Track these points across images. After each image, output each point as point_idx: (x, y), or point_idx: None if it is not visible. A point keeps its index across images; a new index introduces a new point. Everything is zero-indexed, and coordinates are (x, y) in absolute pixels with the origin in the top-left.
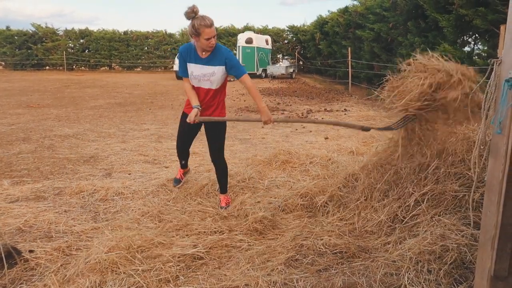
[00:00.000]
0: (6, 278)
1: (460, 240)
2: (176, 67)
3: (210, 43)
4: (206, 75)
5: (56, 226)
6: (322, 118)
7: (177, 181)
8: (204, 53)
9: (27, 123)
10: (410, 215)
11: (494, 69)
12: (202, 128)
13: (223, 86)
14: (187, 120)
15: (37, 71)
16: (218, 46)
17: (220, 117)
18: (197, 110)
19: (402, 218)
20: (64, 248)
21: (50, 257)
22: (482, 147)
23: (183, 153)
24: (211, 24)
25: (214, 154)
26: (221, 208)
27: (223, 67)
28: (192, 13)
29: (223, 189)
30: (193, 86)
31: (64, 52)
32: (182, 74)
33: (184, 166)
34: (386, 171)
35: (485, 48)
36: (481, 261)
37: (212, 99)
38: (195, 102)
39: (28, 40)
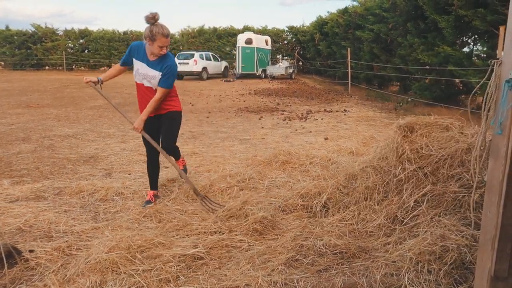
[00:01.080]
0: (6, 277)
1: (460, 240)
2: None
3: (162, 51)
4: (148, 76)
5: (56, 226)
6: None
7: (147, 202)
8: (152, 56)
9: (26, 123)
10: (410, 216)
11: (494, 70)
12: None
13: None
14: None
15: (37, 71)
16: (168, 54)
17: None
18: (97, 79)
19: (402, 219)
20: (64, 248)
21: (50, 257)
22: (482, 148)
23: (152, 164)
24: (167, 35)
25: (167, 145)
26: (182, 173)
27: (161, 73)
28: (152, 19)
29: (177, 156)
30: (136, 83)
31: (63, 52)
32: (122, 63)
33: (154, 186)
34: (385, 172)
35: (485, 49)
36: (481, 261)
37: (150, 97)
38: (103, 77)
39: (28, 40)
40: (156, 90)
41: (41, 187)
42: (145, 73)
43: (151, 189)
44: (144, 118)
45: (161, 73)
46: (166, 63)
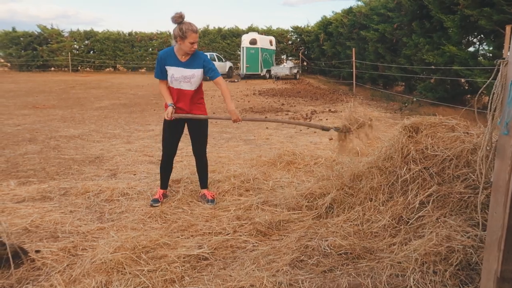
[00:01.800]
0: (13, 277)
1: (466, 241)
2: None
3: (193, 47)
4: (187, 77)
5: (62, 226)
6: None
7: (155, 201)
8: (183, 57)
9: (33, 124)
10: (416, 216)
11: (500, 69)
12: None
13: (200, 87)
14: (165, 116)
15: (43, 72)
16: (196, 51)
17: (195, 115)
18: (171, 108)
19: (407, 220)
20: (70, 248)
21: (56, 257)
22: (488, 148)
23: (168, 164)
24: (196, 30)
25: (196, 149)
26: (208, 202)
27: (201, 69)
28: (180, 18)
29: (204, 183)
30: (172, 88)
31: (69, 53)
32: (159, 76)
33: (164, 185)
34: (390, 173)
35: (491, 48)
36: (487, 262)
37: (192, 99)
38: (169, 101)
39: (34, 41)
40: (195, 91)
41: (47, 187)
42: (182, 76)
43: (162, 187)
44: (233, 107)
45: (200, 69)
46: (201, 58)
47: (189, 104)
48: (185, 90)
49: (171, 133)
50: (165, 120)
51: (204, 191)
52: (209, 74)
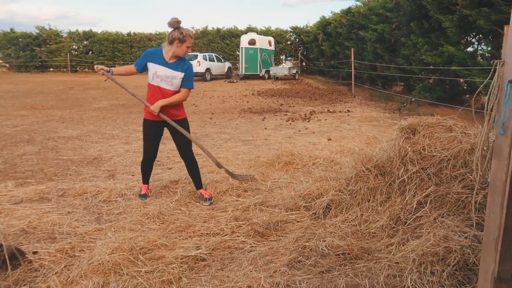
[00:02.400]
0: (10, 279)
1: (464, 241)
2: None
3: (188, 51)
4: (169, 77)
5: (60, 228)
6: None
7: (144, 196)
8: (170, 59)
9: (31, 124)
10: (413, 217)
11: (497, 70)
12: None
13: (177, 90)
14: (96, 68)
15: (41, 72)
16: (183, 58)
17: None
18: (109, 71)
19: (405, 220)
20: (67, 250)
21: (54, 259)
22: (485, 148)
23: (148, 165)
24: (193, 36)
25: (182, 151)
26: (205, 201)
27: (183, 74)
28: (177, 23)
29: (199, 184)
30: (150, 85)
31: (68, 54)
32: (136, 65)
33: (146, 181)
34: (388, 174)
35: (489, 48)
36: (484, 263)
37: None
38: (113, 69)
39: (32, 42)
40: (173, 92)
41: (45, 188)
42: (164, 75)
43: (144, 183)
44: (161, 104)
45: (182, 73)
46: (186, 64)
47: (167, 105)
48: (164, 89)
49: (150, 137)
50: (145, 124)
51: (201, 191)
52: (184, 82)
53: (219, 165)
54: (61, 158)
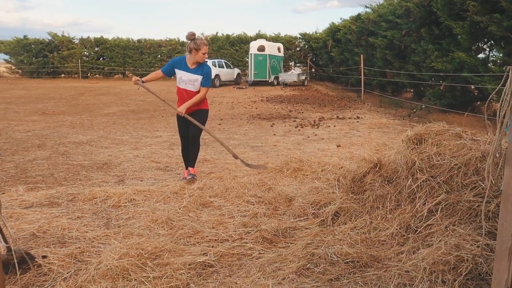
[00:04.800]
0: (19, 283)
1: (476, 250)
2: None
3: (204, 57)
4: (192, 80)
5: (69, 232)
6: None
7: (192, 176)
8: (193, 65)
9: (42, 130)
10: (424, 225)
11: (509, 76)
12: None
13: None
14: (133, 81)
15: (53, 78)
16: (204, 62)
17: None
18: (140, 81)
19: (416, 228)
20: (76, 254)
21: (63, 263)
22: (497, 156)
23: (185, 151)
24: (207, 44)
25: (192, 132)
26: (189, 176)
27: (202, 76)
28: (192, 36)
29: (191, 163)
30: (179, 88)
31: (79, 60)
32: (164, 70)
33: (187, 165)
34: (397, 183)
35: (501, 55)
36: (497, 272)
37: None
38: (145, 78)
39: (45, 48)
40: (196, 92)
41: (55, 193)
42: (188, 79)
43: (187, 168)
44: (187, 106)
45: (202, 76)
46: (205, 68)
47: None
48: (189, 90)
49: (181, 128)
50: (177, 118)
51: (190, 168)
52: (202, 82)
53: (235, 156)
54: (71, 163)
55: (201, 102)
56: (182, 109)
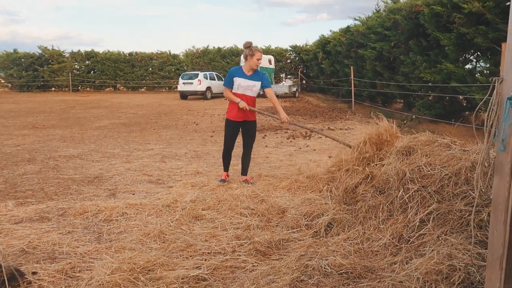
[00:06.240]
0: None
1: (468, 259)
2: (179, 87)
3: (258, 62)
4: (250, 86)
5: (60, 247)
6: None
7: (223, 181)
8: (249, 72)
9: (32, 144)
10: (416, 234)
11: (496, 87)
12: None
13: (255, 96)
14: (243, 107)
15: (43, 92)
16: (257, 70)
17: (254, 108)
18: (242, 102)
19: (408, 238)
20: (67, 270)
21: (53, 279)
22: (486, 165)
23: (227, 154)
24: (261, 50)
25: (246, 144)
26: (249, 183)
27: (260, 82)
28: (249, 43)
29: (245, 171)
30: (237, 94)
31: (70, 73)
32: (227, 85)
33: (226, 169)
34: (389, 194)
35: (487, 65)
36: (489, 281)
37: (253, 102)
38: (237, 99)
39: (35, 62)
40: (254, 97)
41: (45, 208)
42: (246, 85)
43: (225, 170)
44: (281, 108)
45: (259, 82)
46: (261, 74)
47: (251, 105)
48: (248, 96)
49: (232, 133)
50: (228, 123)
51: (245, 177)
52: (264, 84)
53: (348, 145)
54: (62, 177)
55: (253, 114)
56: (285, 116)
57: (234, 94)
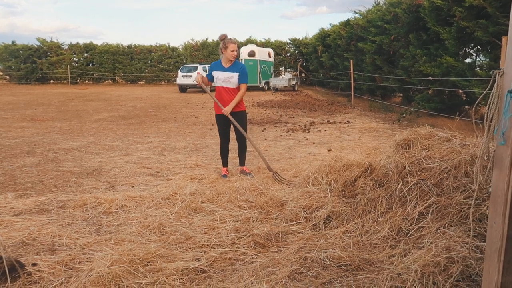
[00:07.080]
0: None
1: (466, 252)
2: (179, 80)
3: (233, 54)
4: (227, 77)
5: (60, 239)
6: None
7: (224, 176)
8: (227, 64)
9: (31, 136)
10: (415, 227)
11: (496, 80)
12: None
13: (237, 87)
14: (195, 81)
15: (42, 84)
16: (237, 61)
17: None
18: (200, 74)
19: (407, 231)
20: (67, 262)
21: (53, 271)
22: (485, 158)
23: (224, 148)
24: (234, 42)
25: (239, 137)
26: (247, 175)
27: (238, 73)
28: (223, 36)
29: (242, 162)
30: (217, 87)
31: (68, 66)
32: (209, 77)
33: (225, 164)
34: (388, 187)
35: (487, 59)
36: (487, 273)
37: (231, 94)
38: (207, 89)
39: (33, 54)
40: (233, 89)
41: (45, 200)
42: (224, 77)
43: (224, 166)
44: (232, 105)
45: (237, 73)
46: (240, 66)
47: (229, 97)
48: (225, 87)
49: (222, 127)
50: (217, 117)
51: (243, 167)
52: (240, 78)
53: (269, 168)
54: (61, 170)
55: (239, 104)
56: (228, 109)
57: (216, 88)
